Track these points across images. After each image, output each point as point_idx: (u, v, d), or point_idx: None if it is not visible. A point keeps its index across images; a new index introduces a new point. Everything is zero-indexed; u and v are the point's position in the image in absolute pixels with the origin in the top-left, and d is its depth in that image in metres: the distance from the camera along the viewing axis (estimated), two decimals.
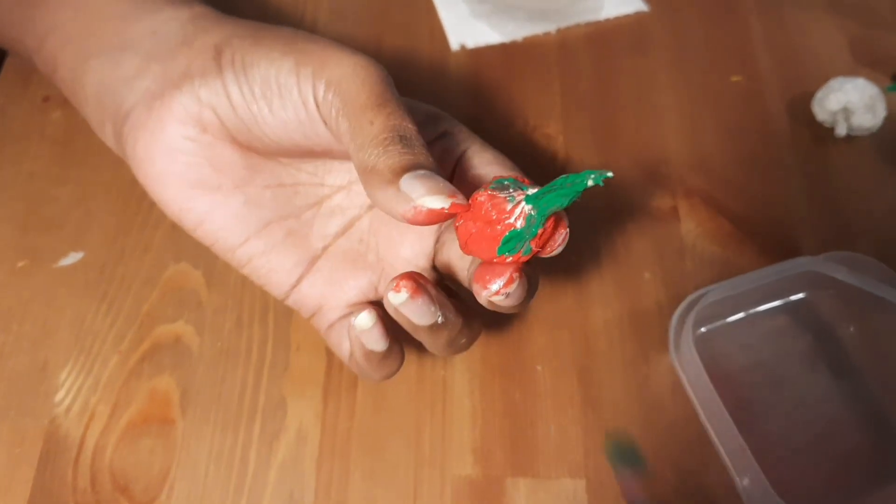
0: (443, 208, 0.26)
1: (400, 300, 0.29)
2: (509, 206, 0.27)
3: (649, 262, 0.44)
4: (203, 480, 0.38)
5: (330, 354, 0.41)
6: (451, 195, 0.26)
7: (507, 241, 0.27)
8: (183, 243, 0.45)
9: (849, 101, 0.47)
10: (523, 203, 0.27)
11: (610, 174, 0.26)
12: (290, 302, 0.36)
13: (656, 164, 0.48)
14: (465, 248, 0.28)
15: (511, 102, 0.51)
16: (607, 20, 0.55)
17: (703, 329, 0.41)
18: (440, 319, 0.30)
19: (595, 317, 0.42)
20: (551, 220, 0.27)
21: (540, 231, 0.27)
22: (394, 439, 0.39)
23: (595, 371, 0.41)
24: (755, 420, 0.39)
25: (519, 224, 0.27)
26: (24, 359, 0.41)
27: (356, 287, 0.35)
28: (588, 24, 0.55)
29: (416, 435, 0.39)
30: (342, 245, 0.36)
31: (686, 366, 0.38)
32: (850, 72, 0.51)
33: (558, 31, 0.55)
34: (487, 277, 0.28)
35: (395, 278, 0.29)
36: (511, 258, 0.27)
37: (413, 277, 0.29)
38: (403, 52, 0.54)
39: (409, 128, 0.28)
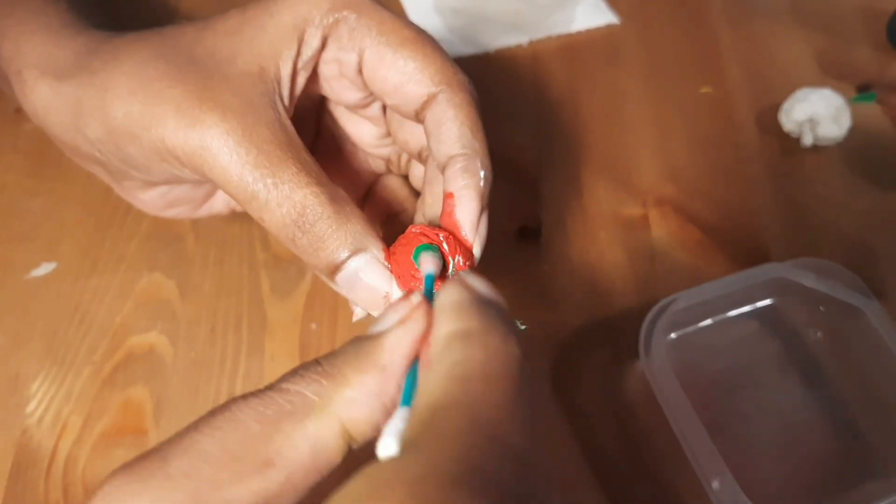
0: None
1: None
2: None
3: (621, 269, 0.44)
4: None
5: None
6: (382, 301, 0.28)
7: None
8: (157, 254, 0.44)
9: (815, 111, 0.48)
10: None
11: (523, 327, 0.27)
12: None
13: (628, 173, 0.49)
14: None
15: (484, 114, 0.51)
16: (579, 32, 0.56)
17: (673, 335, 0.42)
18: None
19: (567, 324, 0.43)
20: None
21: None
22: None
23: (567, 378, 0.41)
24: (725, 424, 0.39)
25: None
26: None
27: None
28: (560, 37, 0.56)
29: None
30: None
31: (656, 371, 0.39)
32: (817, 83, 0.51)
33: (531, 43, 0.55)
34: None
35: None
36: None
37: None
38: None
39: (310, 204, 0.28)
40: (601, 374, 0.41)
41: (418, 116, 0.30)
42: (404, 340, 0.23)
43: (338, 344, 0.42)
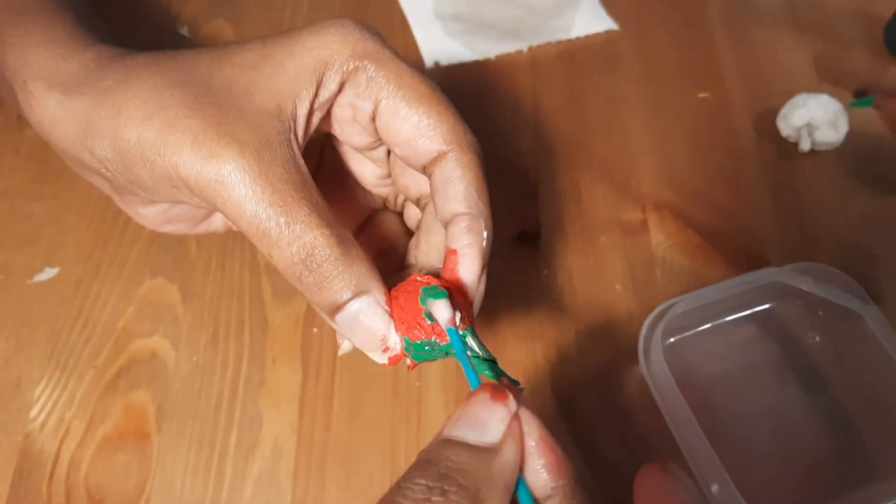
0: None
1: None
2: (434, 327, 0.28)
3: (620, 274, 0.45)
4: (179, 495, 0.38)
5: (306, 367, 0.41)
6: (379, 343, 0.29)
7: (419, 346, 0.29)
8: (159, 258, 0.45)
9: (812, 116, 0.48)
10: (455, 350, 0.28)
11: (521, 388, 0.28)
12: None
13: (626, 178, 0.49)
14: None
15: (484, 119, 0.52)
16: (578, 39, 0.56)
17: (672, 339, 0.42)
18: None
19: (567, 328, 0.43)
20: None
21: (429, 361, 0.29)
22: (369, 451, 0.39)
23: (567, 381, 0.41)
24: (724, 428, 0.39)
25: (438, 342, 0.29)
26: None
27: None
28: (559, 43, 0.56)
29: (392, 447, 0.39)
30: None
31: (655, 375, 0.39)
32: (814, 88, 0.52)
33: (530, 49, 0.56)
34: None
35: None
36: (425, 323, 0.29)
37: None
38: None
39: (319, 245, 0.28)
40: (600, 378, 0.41)
41: (425, 170, 0.31)
42: (518, 455, 0.25)
43: (338, 347, 0.42)
